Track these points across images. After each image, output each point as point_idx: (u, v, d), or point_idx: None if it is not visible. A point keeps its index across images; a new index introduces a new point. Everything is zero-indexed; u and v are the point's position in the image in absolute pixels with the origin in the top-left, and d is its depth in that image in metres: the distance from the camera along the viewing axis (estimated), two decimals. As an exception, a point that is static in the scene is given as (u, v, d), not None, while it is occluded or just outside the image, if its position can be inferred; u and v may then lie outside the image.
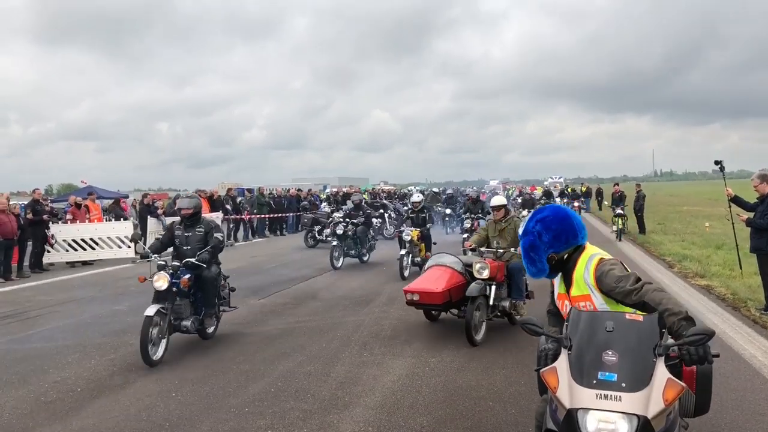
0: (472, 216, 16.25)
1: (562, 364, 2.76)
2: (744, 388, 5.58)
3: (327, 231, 19.52)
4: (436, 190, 31.79)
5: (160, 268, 7.05)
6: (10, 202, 14.42)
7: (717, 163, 10.28)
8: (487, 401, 5.39)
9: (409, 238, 13.00)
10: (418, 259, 13.23)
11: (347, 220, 15.05)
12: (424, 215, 13.86)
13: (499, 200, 8.74)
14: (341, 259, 14.51)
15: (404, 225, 14.06)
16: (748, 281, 10.41)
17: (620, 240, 19.17)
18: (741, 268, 11.24)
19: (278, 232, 25.02)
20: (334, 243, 14.43)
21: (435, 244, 14.17)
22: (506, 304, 7.94)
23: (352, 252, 14.87)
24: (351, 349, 7.23)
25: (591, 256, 3.22)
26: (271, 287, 11.82)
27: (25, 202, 16.54)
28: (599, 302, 3.12)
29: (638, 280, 3.01)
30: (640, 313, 2.92)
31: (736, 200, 8.94)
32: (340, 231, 14.56)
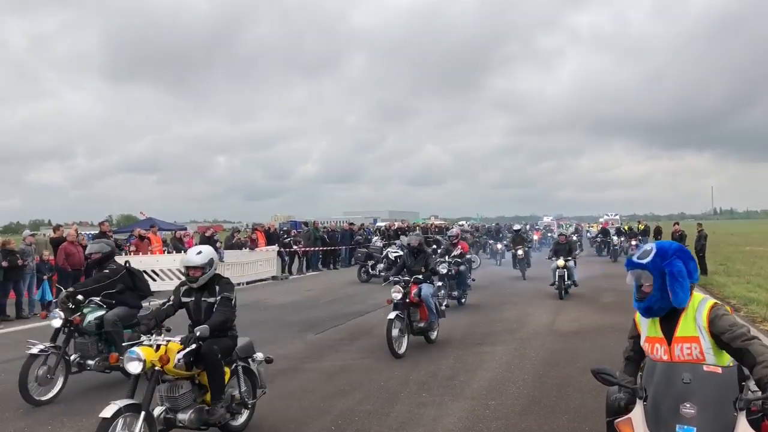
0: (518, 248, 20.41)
1: (637, 415, 2.72)
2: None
3: (380, 266, 19.63)
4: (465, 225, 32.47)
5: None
6: (78, 234, 15.00)
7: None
8: (551, 448, 5.28)
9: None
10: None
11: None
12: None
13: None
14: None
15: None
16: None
17: (681, 281, 18.61)
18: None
19: (331, 266, 25.24)
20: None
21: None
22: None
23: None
24: (409, 388, 7.20)
25: (704, 299, 3.22)
26: (325, 322, 11.90)
27: (92, 233, 17.16)
28: (707, 345, 3.08)
29: (749, 330, 3.04)
30: (719, 364, 2.87)
31: None
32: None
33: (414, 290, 9.23)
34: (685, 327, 3.15)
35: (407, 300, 9.09)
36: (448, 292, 12.33)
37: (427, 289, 9.41)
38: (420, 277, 9.46)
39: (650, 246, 3.32)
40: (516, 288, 17.77)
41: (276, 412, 6.33)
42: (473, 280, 15.92)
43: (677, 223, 22.47)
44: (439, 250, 21.65)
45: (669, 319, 3.19)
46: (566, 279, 15.03)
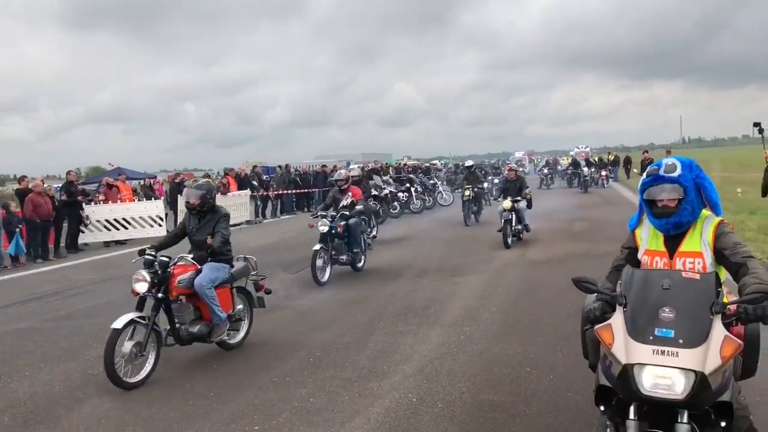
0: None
1: (617, 320, 2.78)
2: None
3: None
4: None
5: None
6: (45, 185, 14.72)
7: (756, 125, 10.08)
8: (525, 368, 5.43)
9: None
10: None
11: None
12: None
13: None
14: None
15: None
16: (784, 246, 10.27)
17: (650, 208, 18.93)
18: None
19: (306, 209, 25.18)
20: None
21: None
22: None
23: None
24: (385, 320, 7.31)
25: (710, 216, 3.28)
26: (301, 263, 11.89)
27: (58, 185, 16.84)
28: (709, 261, 3.18)
29: (751, 250, 3.15)
30: (697, 271, 2.95)
31: None
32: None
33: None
34: (690, 242, 3.22)
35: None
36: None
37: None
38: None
39: (669, 160, 3.25)
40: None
41: (254, 348, 6.40)
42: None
43: (646, 151, 22.77)
44: (412, 188, 21.82)
45: (674, 233, 3.25)
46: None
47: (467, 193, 17.10)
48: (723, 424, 2.71)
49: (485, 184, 20.74)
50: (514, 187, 13.39)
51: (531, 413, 4.49)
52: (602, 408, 2.98)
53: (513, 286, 8.80)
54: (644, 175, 3.36)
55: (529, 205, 13.70)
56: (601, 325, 2.86)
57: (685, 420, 2.64)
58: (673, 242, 3.27)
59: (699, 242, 3.22)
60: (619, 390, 2.75)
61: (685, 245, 3.25)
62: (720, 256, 3.16)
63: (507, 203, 12.65)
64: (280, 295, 8.98)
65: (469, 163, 20.02)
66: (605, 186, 30.73)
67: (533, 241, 13.19)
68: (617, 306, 2.86)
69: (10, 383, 5.64)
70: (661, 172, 3.24)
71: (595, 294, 3.61)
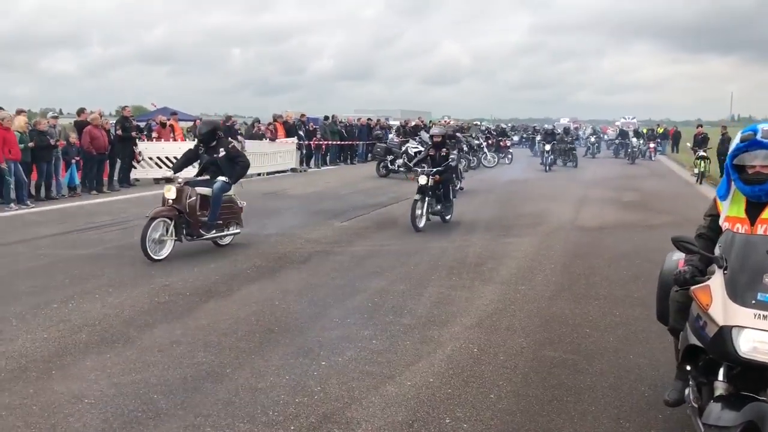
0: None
1: (716, 282, 2.79)
2: None
3: (399, 161, 19.61)
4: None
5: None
6: (102, 116, 14.99)
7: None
8: (584, 328, 5.47)
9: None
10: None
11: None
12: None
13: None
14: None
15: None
16: None
17: (701, 183, 18.61)
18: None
19: (348, 161, 25.24)
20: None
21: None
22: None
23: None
24: (439, 272, 7.38)
25: None
26: (350, 212, 12.04)
27: (111, 121, 17.11)
28: None
29: None
30: None
31: None
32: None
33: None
34: None
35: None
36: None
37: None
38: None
39: (766, 125, 3.19)
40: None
41: (313, 289, 6.53)
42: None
43: (701, 125, 22.12)
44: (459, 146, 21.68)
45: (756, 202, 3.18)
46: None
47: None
48: None
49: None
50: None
51: (593, 371, 4.54)
52: (688, 368, 3.02)
53: (566, 251, 8.78)
54: (737, 140, 3.29)
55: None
56: (698, 286, 2.87)
57: None
58: (755, 209, 3.21)
59: None
60: (711, 351, 2.77)
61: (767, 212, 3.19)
62: None
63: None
64: (332, 241, 9.13)
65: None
66: (652, 159, 30.17)
67: (584, 207, 13.09)
68: (717, 269, 2.85)
69: (83, 303, 5.88)
70: (759, 137, 3.17)
71: (676, 257, 3.61)
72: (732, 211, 3.25)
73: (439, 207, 10.67)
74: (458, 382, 4.33)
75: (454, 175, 12.01)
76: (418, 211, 10.16)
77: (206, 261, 7.74)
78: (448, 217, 10.90)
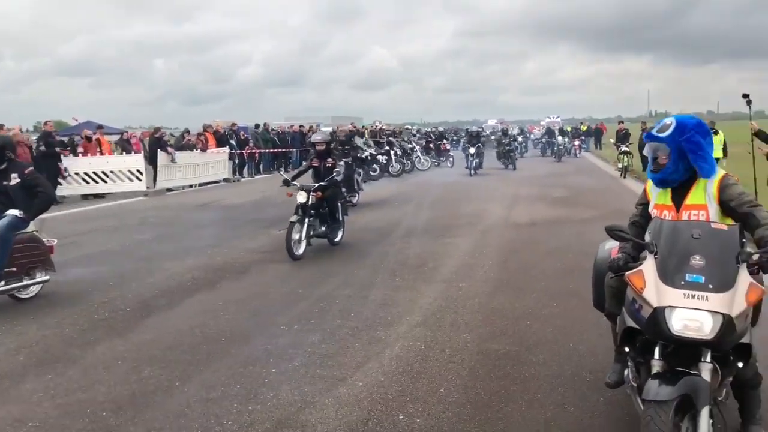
0: None
1: (648, 266, 2.97)
2: None
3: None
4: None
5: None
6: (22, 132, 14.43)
7: (745, 96, 10.40)
8: (524, 320, 5.66)
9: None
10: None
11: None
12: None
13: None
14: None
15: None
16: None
17: (624, 177, 19.39)
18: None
19: (282, 169, 25.06)
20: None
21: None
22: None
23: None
24: (382, 275, 7.47)
25: (717, 170, 3.40)
26: (287, 220, 11.96)
27: (34, 137, 16.50)
28: (713, 212, 3.29)
29: (756, 198, 3.31)
30: (725, 223, 3.13)
31: (759, 134, 9.16)
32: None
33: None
34: (695, 195, 3.35)
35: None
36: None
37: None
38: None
39: (670, 120, 3.39)
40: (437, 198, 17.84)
41: (257, 298, 6.52)
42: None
43: (622, 122, 23.09)
44: (392, 152, 21.92)
45: (680, 188, 3.39)
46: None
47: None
48: (740, 364, 2.96)
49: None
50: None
51: (537, 361, 4.72)
52: (627, 349, 3.20)
53: (502, 247, 9.03)
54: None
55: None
56: (632, 271, 3.05)
57: (708, 359, 2.85)
58: (679, 196, 3.42)
59: (703, 195, 3.33)
60: (647, 331, 2.96)
61: (691, 198, 3.38)
62: (726, 207, 3.28)
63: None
64: (271, 249, 9.08)
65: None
66: (578, 156, 31.22)
67: (516, 205, 13.46)
68: (648, 254, 3.04)
69: (16, 325, 5.67)
70: (654, 131, 3.43)
71: (608, 246, 3.82)
72: (660, 199, 3.47)
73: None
74: (408, 379, 4.43)
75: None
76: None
77: (142, 276, 7.58)
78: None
